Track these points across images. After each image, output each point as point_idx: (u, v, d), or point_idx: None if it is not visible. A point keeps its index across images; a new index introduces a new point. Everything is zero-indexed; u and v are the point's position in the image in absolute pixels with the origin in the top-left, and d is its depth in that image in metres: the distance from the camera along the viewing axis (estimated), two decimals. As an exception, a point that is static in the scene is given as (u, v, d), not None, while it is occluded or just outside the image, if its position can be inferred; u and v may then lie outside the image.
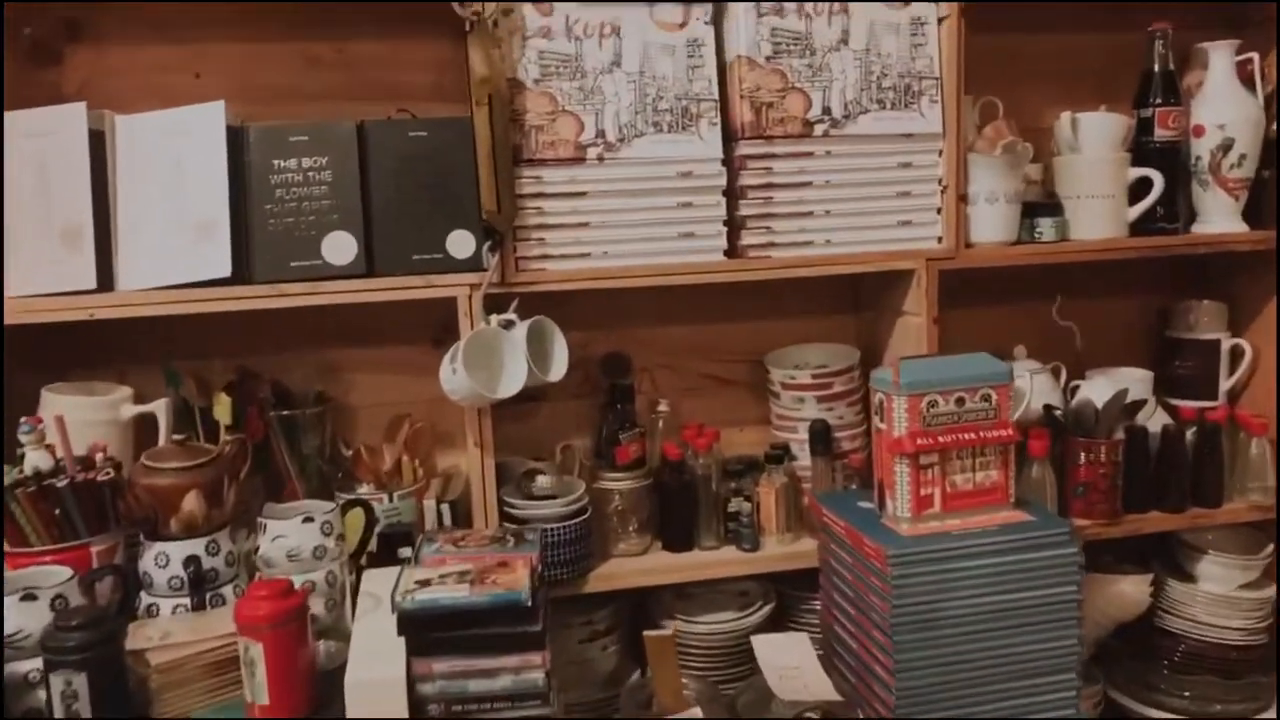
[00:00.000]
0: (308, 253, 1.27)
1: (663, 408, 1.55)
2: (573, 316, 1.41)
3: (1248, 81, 1.53)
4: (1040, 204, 1.49)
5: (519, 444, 1.53)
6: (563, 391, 1.49)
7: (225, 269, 1.25)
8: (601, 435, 1.48)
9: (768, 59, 1.36)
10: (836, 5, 1.37)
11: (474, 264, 1.30)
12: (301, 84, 1.45)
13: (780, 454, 1.46)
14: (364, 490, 1.40)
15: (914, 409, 1.16)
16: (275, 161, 1.28)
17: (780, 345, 1.61)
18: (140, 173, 1.27)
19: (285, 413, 1.40)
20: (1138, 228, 1.51)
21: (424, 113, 1.44)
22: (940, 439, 1.16)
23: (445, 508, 1.40)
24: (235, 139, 1.28)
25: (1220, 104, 1.50)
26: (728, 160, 1.37)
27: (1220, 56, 1.51)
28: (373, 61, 1.46)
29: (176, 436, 1.19)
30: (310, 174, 1.28)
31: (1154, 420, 1.56)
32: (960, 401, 1.17)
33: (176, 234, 1.26)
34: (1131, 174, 1.49)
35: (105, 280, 1.25)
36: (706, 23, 1.36)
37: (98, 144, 1.26)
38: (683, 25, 1.36)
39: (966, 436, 1.17)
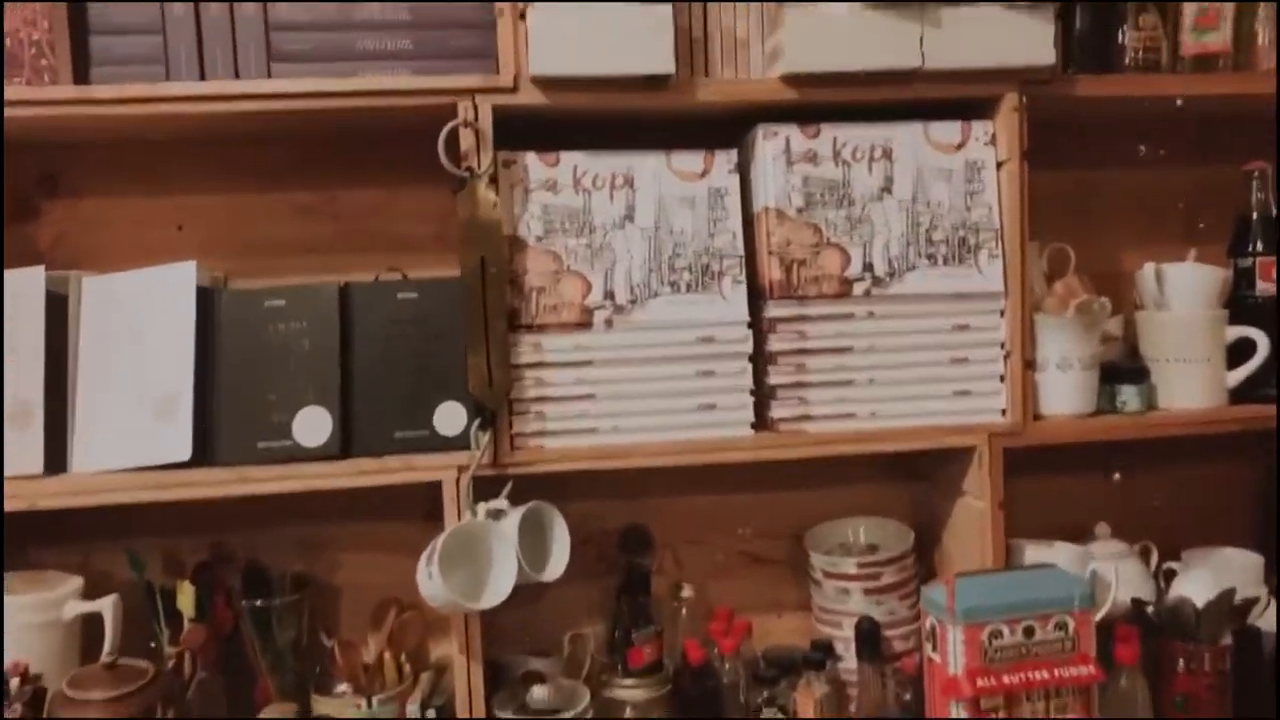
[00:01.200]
0: (277, 432, 1.14)
1: (686, 593, 1.36)
2: (583, 486, 1.25)
3: (1363, 225, 1.33)
4: (1123, 368, 1.29)
5: (520, 631, 1.35)
6: (574, 570, 1.31)
7: (184, 452, 1.11)
8: (614, 630, 1.29)
9: (800, 211, 1.20)
10: (878, 150, 1.22)
11: (464, 441, 1.15)
12: (290, 235, 1.34)
13: (821, 656, 1.25)
14: (342, 690, 1.24)
15: (973, 641, 0.96)
16: (249, 328, 1.15)
17: (823, 518, 1.41)
18: (103, 340, 1.16)
19: (257, 603, 1.25)
20: (1239, 395, 1.30)
21: (423, 265, 1.32)
22: (1006, 679, 0.95)
23: (431, 714, 1.22)
24: (207, 301, 1.16)
25: (1333, 253, 1.30)
26: (755, 323, 1.20)
27: (1330, 199, 1.31)
28: (367, 211, 1.35)
29: (106, 659, 1.03)
30: (286, 342, 1.16)
31: (1268, 617, 1.31)
32: (1029, 632, 0.97)
33: (136, 409, 1.13)
34: (1230, 334, 1.28)
35: (56, 460, 1.12)
36: (731, 171, 1.22)
37: (59, 309, 1.15)
38: (704, 174, 1.21)
39: (1038, 676, 0.96)
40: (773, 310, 1.20)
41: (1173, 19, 1.29)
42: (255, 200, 1.33)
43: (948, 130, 1.23)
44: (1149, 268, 1.30)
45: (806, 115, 1.21)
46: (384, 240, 1.35)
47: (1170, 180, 1.49)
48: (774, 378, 1.20)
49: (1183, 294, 1.28)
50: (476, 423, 1.14)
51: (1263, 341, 1.27)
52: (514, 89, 1.14)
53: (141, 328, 1.15)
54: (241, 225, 1.33)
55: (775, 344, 1.20)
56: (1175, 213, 1.50)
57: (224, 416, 1.14)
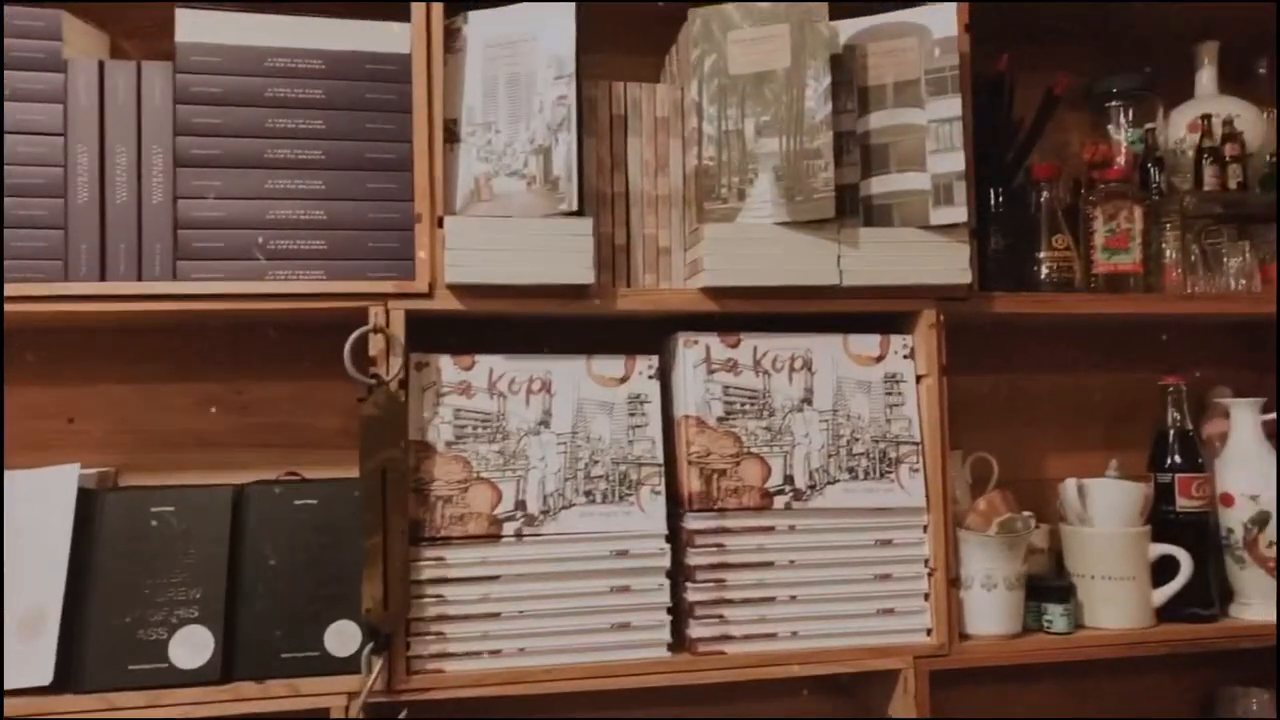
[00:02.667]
0: (152, 653, 1.05)
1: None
2: (486, 710, 1.16)
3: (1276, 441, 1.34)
4: (1049, 586, 1.26)
5: None
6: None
7: (46, 675, 1.02)
8: None
9: (720, 420, 1.18)
10: (799, 361, 1.21)
11: (357, 664, 1.07)
12: (193, 428, 1.28)
13: None
14: None
15: None
16: (132, 537, 1.08)
17: (746, 736, 1.34)
18: (-30, 546, 1.07)
19: (118, 837, 1.13)
20: (1166, 613, 1.27)
21: (334, 462, 1.27)
22: None
23: None
24: (88, 506, 1.08)
25: (1249, 471, 1.30)
26: (673, 536, 1.16)
27: (1244, 416, 1.33)
28: (276, 404, 1.30)
29: None
30: (172, 552, 1.08)
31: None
32: None
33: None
34: (1153, 551, 1.27)
35: (-99, 681, 1.02)
36: (651, 377, 1.19)
37: (-74, 511, 1.07)
38: (624, 380, 1.19)
39: None
40: (692, 522, 1.16)
41: (1085, 239, 1.32)
42: (156, 391, 1.27)
43: (867, 343, 1.23)
44: (1070, 484, 1.29)
45: (727, 323, 1.20)
46: (293, 434, 1.29)
47: (1092, 385, 1.51)
48: (692, 594, 1.15)
49: (1105, 510, 1.27)
50: (369, 647, 1.06)
51: (1185, 560, 1.25)
52: (429, 295, 1.12)
53: (17, 533, 1.07)
54: (139, 417, 1.27)
55: (694, 558, 1.15)
56: (1098, 418, 1.51)
57: (95, 635, 1.05)
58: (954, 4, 1.19)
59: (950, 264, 1.19)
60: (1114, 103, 1.45)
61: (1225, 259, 1.37)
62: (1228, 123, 1.37)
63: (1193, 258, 1.37)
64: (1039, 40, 1.46)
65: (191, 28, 1.13)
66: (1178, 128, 1.43)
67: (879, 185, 1.21)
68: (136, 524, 1.09)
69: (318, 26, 1.16)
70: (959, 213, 1.17)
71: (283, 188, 1.14)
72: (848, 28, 1.22)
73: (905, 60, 1.20)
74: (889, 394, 1.22)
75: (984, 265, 1.26)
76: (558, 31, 1.16)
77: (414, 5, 1.14)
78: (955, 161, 1.17)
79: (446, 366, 1.15)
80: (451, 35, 1.19)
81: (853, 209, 1.21)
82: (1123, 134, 1.44)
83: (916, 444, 1.21)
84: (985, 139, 1.27)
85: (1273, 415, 1.34)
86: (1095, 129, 1.50)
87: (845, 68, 1.22)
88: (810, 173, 1.15)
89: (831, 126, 1.15)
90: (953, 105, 1.18)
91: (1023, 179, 1.34)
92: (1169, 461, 1.32)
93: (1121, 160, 1.39)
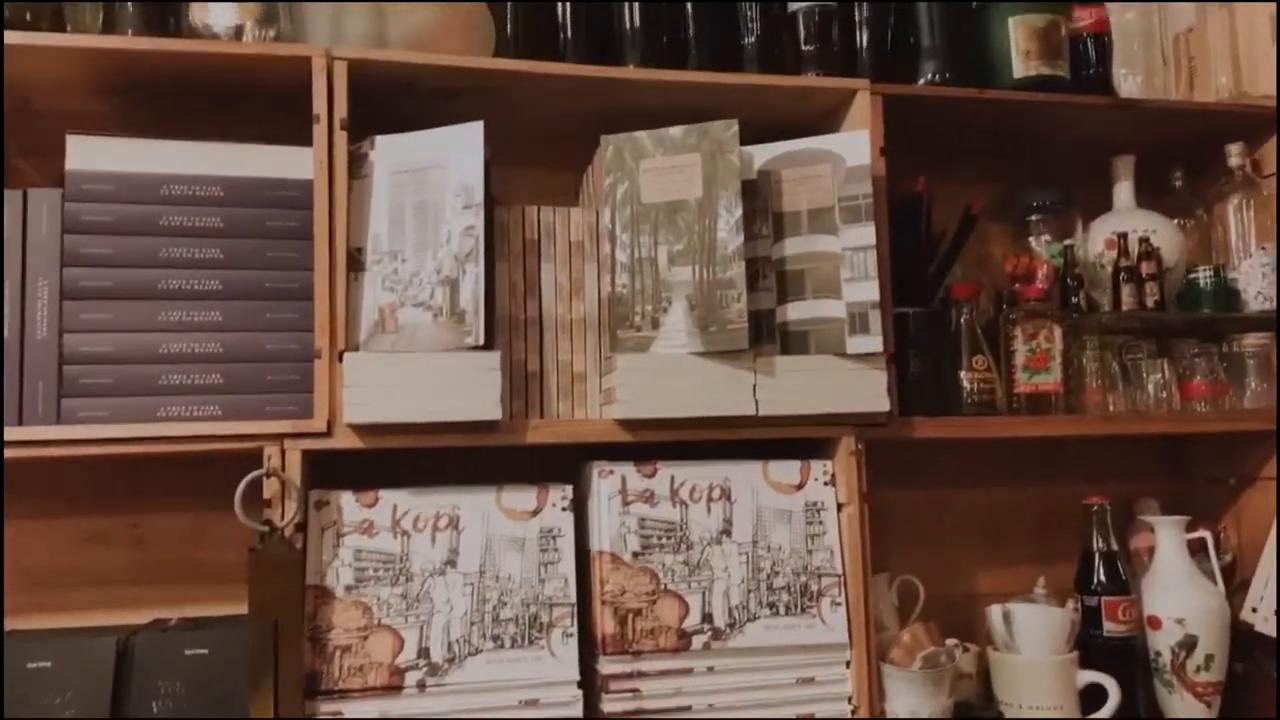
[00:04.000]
0: (18, 827, 0.98)
1: None
2: None
3: (1202, 559, 1.33)
4: (976, 718, 1.23)
5: None
6: None
7: None
8: None
9: (636, 555, 1.14)
10: (717, 490, 1.18)
11: (247, 831, 1.00)
12: (82, 565, 1.21)
13: None
14: None
15: None
16: (5, 696, 1.01)
17: None
18: None
19: None
20: (1097, 744, 1.24)
21: (234, 598, 1.20)
22: None
23: None
24: (-42, 664, 1.02)
25: (1175, 594, 1.29)
26: (586, 682, 1.11)
27: (1168, 535, 1.31)
28: (173, 538, 1.24)
29: None
30: (48, 708, 1.01)
31: None
32: None
33: None
34: (1081, 679, 1.24)
35: None
36: (565, 509, 1.15)
37: None
38: (536, 513, 1.15)
39: None
40: (606, 667, 1.11)
41: (1005, 358, 1.31)
42: (42, 526, 1.21)
43: (787, 470, 1.20)
44: (996, 611, 1.27)
45: (644, 450, 1.17)
46: (190, 570, 1.24)
47: (1017, 499, 1.50)
48: (605, 742, 1.10)
49: (1031, 637, 1.24)
50: (258, 815, 1.00)
51: (1113, 690, 1.23)
52: (328, 433, 1.07)
53: (-127, 696, 1.00)
54: (23, 554, 1.20)
55: (608, 705, 1.11)
56: (1024, 531, 1.49)
57: (-45, 810, 0.98)
58: (866, 132, 1.19)
59: (868, 391, 1.17)
60: (1034, 216, 1.46)
61: (1145, 375, 1.37)
62: (1144, 240, 1.38)
63: (1114, 371, 1.37)
64: (957, 151, 1.47)
65: (83, 155, 1.09)
66: (1096, 241, 1.44)
67: (795, 311, 1.19)
68: (11, 682, 1.02)
69: (217, 152, 1.12)
70: (874, 342, 1.16)
71: (177, 320, 1.09)
72: (762, 153, 1.21)
73: (818, 187, 1.19)
74: (810, 523, 1.19)
75: (904, 388, 1.24)
76: (466, 159, 1.13)
77: (316, 129, 1.11)
78: (870, 291, 1.16)
79: (348, 504, 1.10)
80: (358, 161, 1.16)
81: (769, 335, 1.19)
82: (1043, 247, 1.44)
83: (838, 576, 1.18)
84: (903, 257, 1.26)
85: (1199, 533, 1.33)
86: (1016, 239, 1.50)
87: (760, 193, 1.20)
88: (723, 303, 1.13)
89: (744, 257, 1.13)
90: (866, 234, 1.17)
91: (942, 297, 1.33)
92: (1095, 583, 1.30)
93: (1043, 273, 1.39)
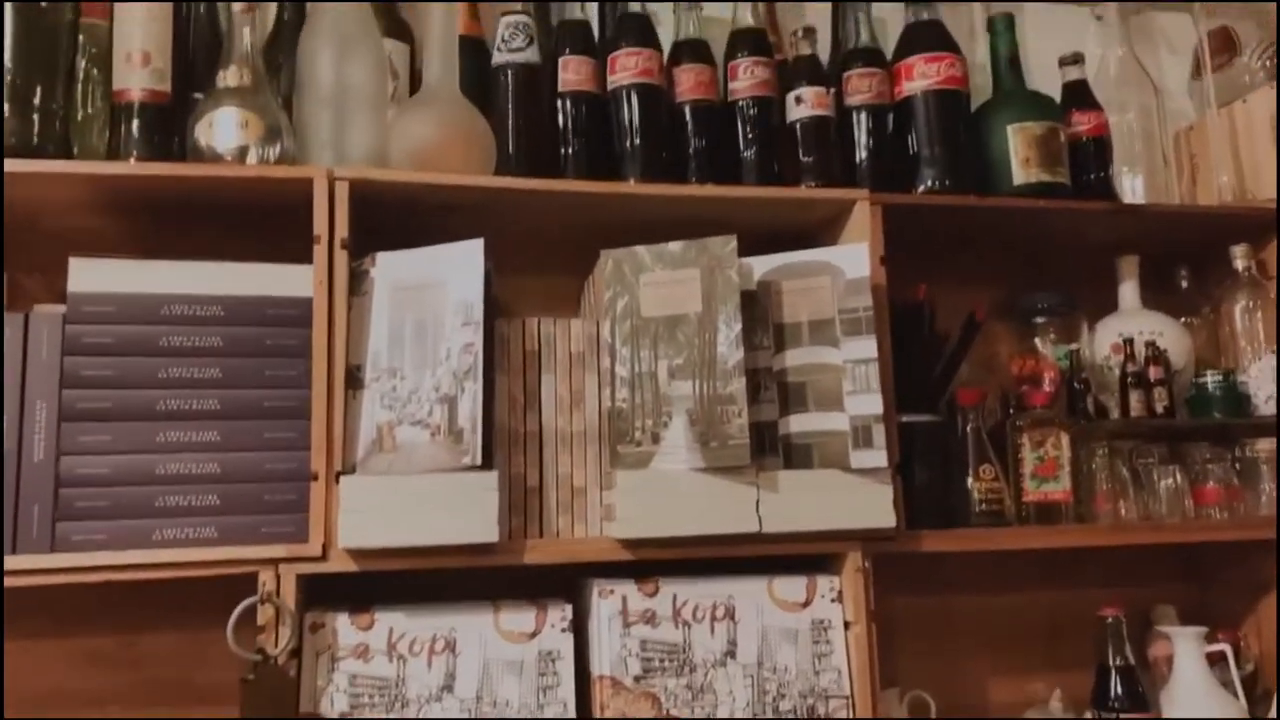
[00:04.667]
0: None
1: None
2: None
3: (1223, 669, 1.29)
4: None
5: None
6: None
7: None
8: None
9: (637, 679, 1.11)
10: (720, 609, 1.15)
11: None
12: (81, 686, 1.20)
13: None
14: None
15: None
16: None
17: None
18: None
19: None
20: None
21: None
22: None
23: None
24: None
25: (1196, 709, 1.24)
26: (585, 812, 1.08)
27: (1187, 646, 1.28)
28: (170, 657, 1.22)
29: None
30: None
31: None
32: None
33: None
34: (1102, 805, 1.20)
35: None
36: (564, 630, 1.13)
37: None
38: (534, 635, 1.12)
39: None
40: (605, 796, 1.08)
41: (1014, 466, 1.29)
42: (39, 646, 1.19)
43: (792, 587, 1.17)
44: (1011, 731, 1.23)
45: (645, 568, 1.15)
46: (189, 692, 1.21)
47: (1029, 605, 1.46)
48: None
49: (1049, 759, 1.20)
50: None
51: (1136, 814, 1.18)
52: (323, 557, 1.06)
53: None
54: (23, 675, 1.18)
55: (608, 836, 1.07)
56: (1037, 639, 1.46)
57: None
58: (865, 245, 1.19)
59: (874, 506, 1.15)
60: (1039, 319, 1.45)
61: (1157, 480, 1.34)
62: (1150, 344, 1.36)
63: (1124, 477, 1.35)
64: (959, 253, 1.46)
65: (85, 277, 1.10)
66: (1103, 344, 1.43)
67: (797, 424, 1.18)
68: (-8, 821, 0.99)
69: (218, 271, 1.13)
70: (879, 456, 1.14)
71: (175, 440, 1.09)
72: (761, 264, 1.21)
73: (819, 299, 1.19)
74: (817, 642, 1.16)
75: (911, 498, 1.22)
76: (466, 277, 1.13)
77: (316, 250, 1.11)
78: (873, 404, 1.15)
79: (343, 627, 1.08)
80: (359, 277, 1.16)
81: (772, 447, 1.17)
82: (1049, 349, 1.43)
83: (846, 697, 1.15)
84: (906, 364, 1.25)
85: (1218, 646, 1.29)
86: (1021, 340, 1.49)
87: (760, 304, 1.20)
88: (724, 418, 1.12)
89: (744, 372, 1.13)
90: (868, 346, 1.16)
91: (947, 403, 1.31)
92: (1113, 699, 1.26)
93: (1049, 378, 1.37)
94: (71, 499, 1.06)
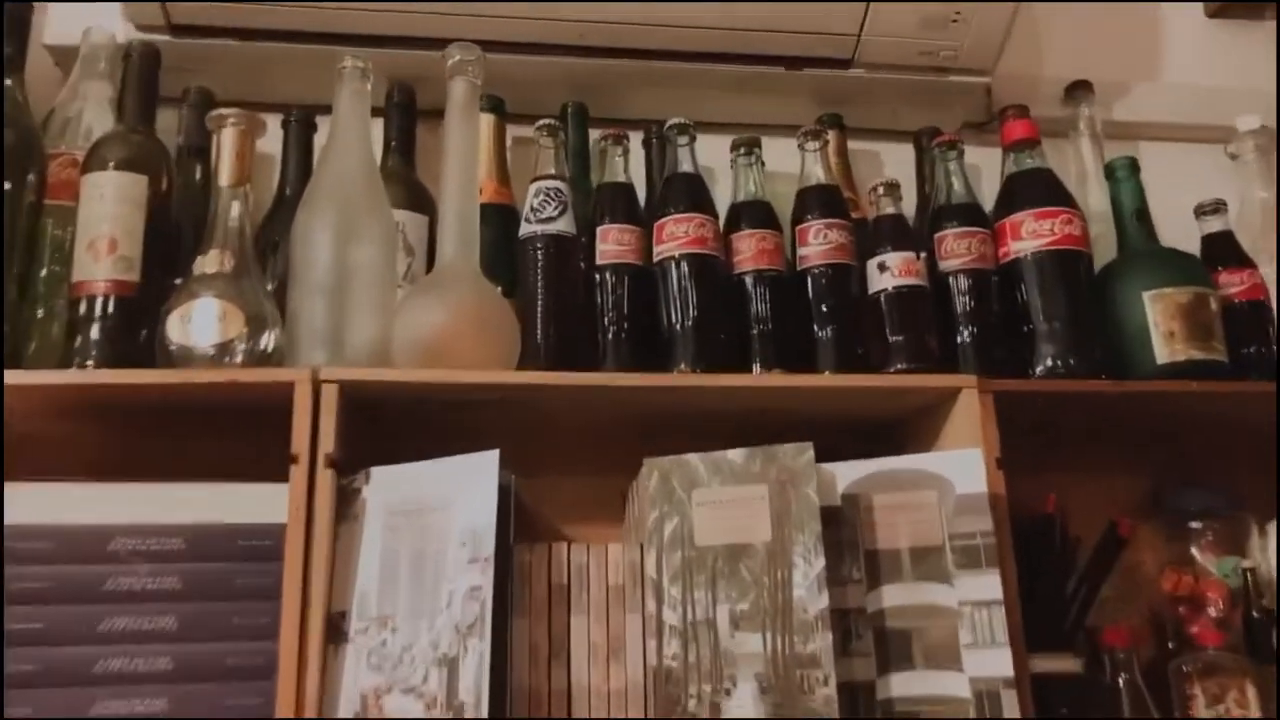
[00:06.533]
0: None
1: None
2: None
3: None
4: None
5: None
6: None
7: None
8: None
9: None
10: None
11: None
12: None
13: None
14: None
15: None
16: None
17: None
18: None
19: None
20: None
21: None
22: None
23: None
24: None
25: None
26: None
27: None
28: None
29: None
30: None
31: None
32: None
33: None
34: None
35: None
36: None
37: None
38: None
39: None
40: None
41: (1184, 727, 1.00)
42: None
43: None
44: None
45: None
46: None
47: None
48: None
49: None
50: None
51: None
52: None
53: None
54: None
55: None
56: None
57: None
58: (979, 452, 0.94)
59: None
60: (1194, 524, 1.17)
61: (1378, 743, 1.03)
62: (1349, 560, 1.07)
63: (1331, 735, 1.04)
64: (1086, 440, 1.21)
65: (22, 505, 0.91)
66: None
67: (901, 686, 0.91)
68: None
69: (180, 494, 0.93)
70: (1012, 735, 0.86)
71: (115, 710, 0.87)
72: (846, 472, 0.97)
73: (923, 520, 0.94)
74: None
75: (1053, 779, 0.93)
76: (477, 497, 0.91)
77: (294, 471, 0.91)
78: (1000, 662, 0.88)
79: None
80: (348, 497, 0.95)
81: (868, 714, 0.91)
82: (1209, 561, 1.15)
83: None
84: (1031, 591, 0.98)
85: None
86: (1171, 543, 1.21)
87: (846, 523, 0.95)
88: (806, 685, 0.86)
89: (829, 623, 0.87)
90: (990, 584, 0.90)
91: (1089, 642, 1.03)
92: None
93: (1216, 600, 1.09)
94: (-19, 778, 0.84)
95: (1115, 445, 1.23)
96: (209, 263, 1.01)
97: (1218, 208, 1.21)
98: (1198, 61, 1.47)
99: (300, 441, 0.91)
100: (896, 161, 1.34)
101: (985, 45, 1.20)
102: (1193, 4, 1.49)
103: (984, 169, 1.29)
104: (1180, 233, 1.23)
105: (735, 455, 0.94)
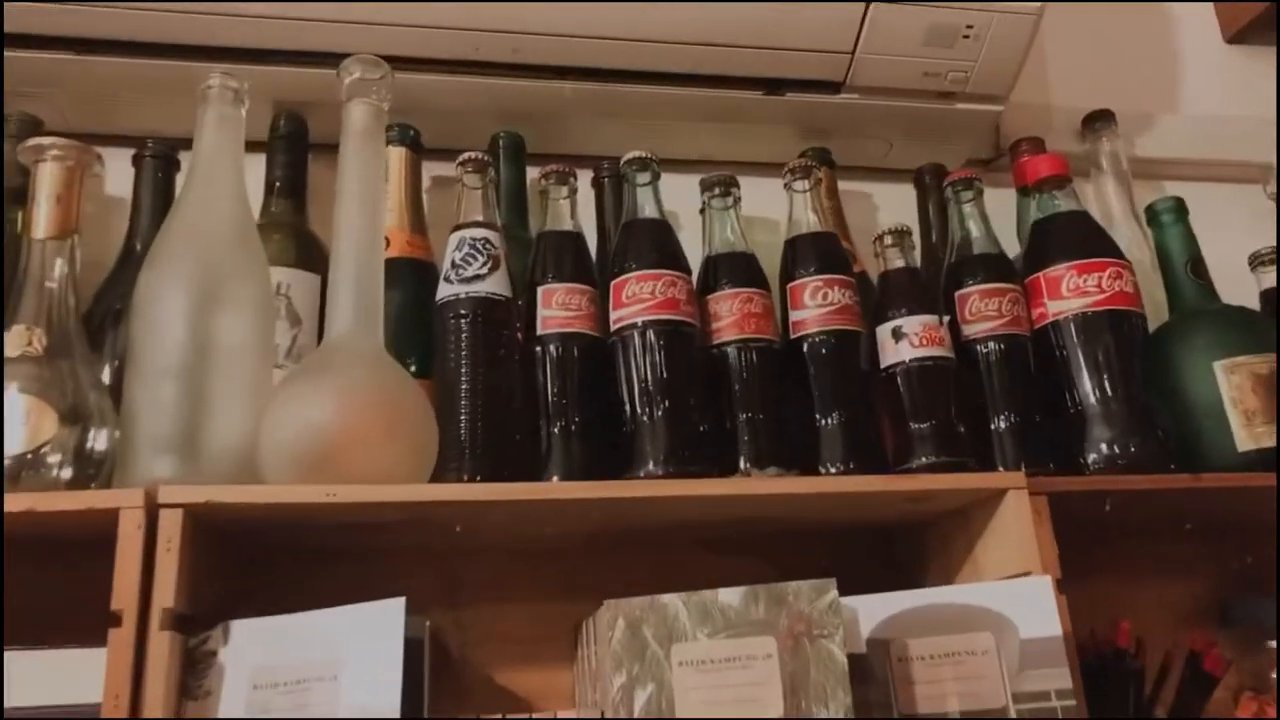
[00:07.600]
0: None
1: None
2: None
3: None
4: None
5: None
6: None
7: None
8: None
9: None
10: None
11: None
12: None
13: None
14: None
15: None
16: None
17: None
18: None
19: None
20: None
21: None
22: None
23: None
24: None
25: None
26: None
27: None
28: None
29: None
30: None
31: None
32: None
33: None
34: None
35: None
36: None
37: None
38: None
39: None
40: None
41: None
42: None
43: None
44: None
45: None
46: None
47: None
48: None
49: None
50: None
51: None
52: None
53: None
54: None
55: None
56: None
57: None
58: (1049, 579, 0.72)
59: None
60: (1272, 642, 0.96)
61: None
62: None
63: None
64: (1140, 536, 1.00)
65: None
66: (1378, 677, 0.93)
67: None
68: None
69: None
70: None
71: None
72: (870, 610, 0.74)
73: (976, 673, 0.71)
74: None
75: None
76: (377, 661, 0.66)
77: (113, 637, 0.65)
78: None
79: None
80: (198, 665, 0.69)
81: None
82: (1293, 685, 0.94)
83: None
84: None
85: None
86: (1243, 659, 1.00)
87: (874, 678, 0.72)
88: None
89: (869, 838, 0.63)
90: (1076, 767, 0.67)
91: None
92: None
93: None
94: None
95: (1170, 543, 1.02)
96: (13, 341, 0.75)
97: (1275, 257, 1.02)
98: (1217, 90, 1.30)
99: (125, 594, 0.65)
100: (892, 205, 1.13)
101: (1001, 66, 1.01)
102: (1208, 28, 1.33)
103: (996, 215, 1.09)
104: (1224, 286, 1.04)
105: (729, 596, 0.70)
